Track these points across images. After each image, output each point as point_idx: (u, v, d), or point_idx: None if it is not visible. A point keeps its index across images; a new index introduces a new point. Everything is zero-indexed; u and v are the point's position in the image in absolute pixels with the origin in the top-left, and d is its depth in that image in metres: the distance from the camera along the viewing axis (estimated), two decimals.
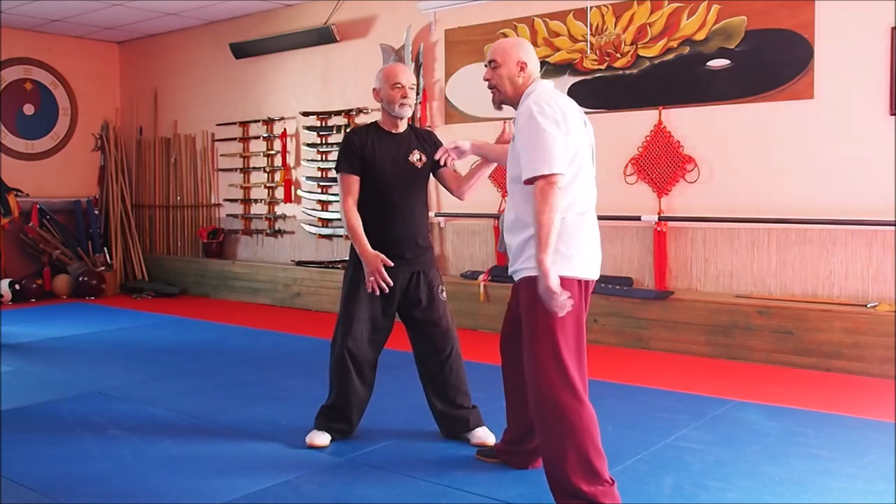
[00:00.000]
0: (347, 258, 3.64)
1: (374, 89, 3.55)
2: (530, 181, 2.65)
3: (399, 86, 3.44)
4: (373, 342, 3.52)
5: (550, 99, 2.75)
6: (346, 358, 3.47)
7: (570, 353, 2.71)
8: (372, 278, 3.36)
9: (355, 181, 3.47)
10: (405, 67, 3.56)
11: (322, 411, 3.59)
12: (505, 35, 6.49)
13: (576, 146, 2.74)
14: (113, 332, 6.54)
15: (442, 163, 3.33)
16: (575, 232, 2.73)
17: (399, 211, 3.48)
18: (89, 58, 9.58)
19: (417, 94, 6.97)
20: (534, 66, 2.90)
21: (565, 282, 2.70)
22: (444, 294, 3.60)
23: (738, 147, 5.50)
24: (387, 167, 3.45)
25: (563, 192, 2.67)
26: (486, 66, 2.96)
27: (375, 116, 7.32)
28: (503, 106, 2.98)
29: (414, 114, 6.89)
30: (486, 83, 2.96)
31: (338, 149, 8.12)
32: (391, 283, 3.37)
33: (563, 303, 2.58)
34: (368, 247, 3.38)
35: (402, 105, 3.46)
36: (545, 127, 2.66)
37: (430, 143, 3.58)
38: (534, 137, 2.66)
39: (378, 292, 3.38)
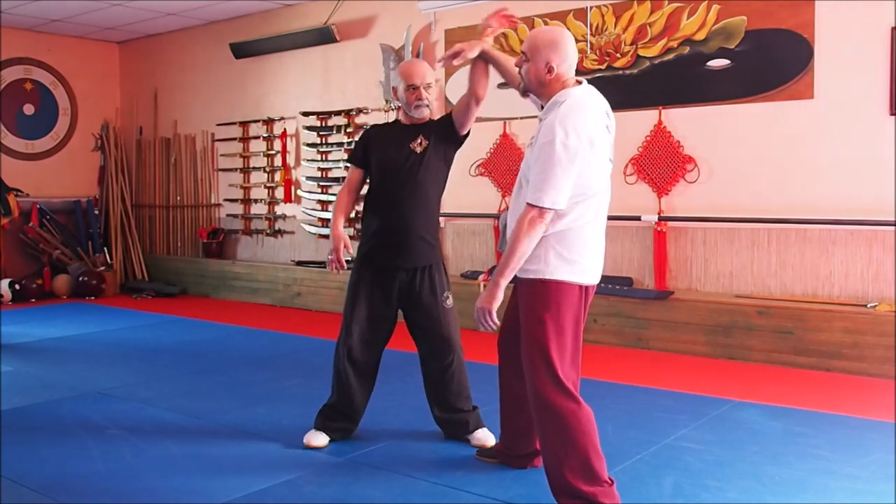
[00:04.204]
0: (351, 259, 3.64)
1: (393, 87, 3.52)
2: (527, 205, 2.63)
3: (413, 87, 3.36)
4: (371, 343, 3.50)
5: (576, 125, 2.63)
6: (344, 358, 3.48)
7: (567, 356, 2.71)
8: (331, 256, 3.47)
9: (356, 173, 3.54)
10: (422, 65, 3.42)
11: (322, 411, 3.60)
12: (505, 35, 6.49)
13: (596, 170, 2.69)
14: (113, 332, 6.54)
15: (448, 61, 3.17)
16: (579, 238, 2.72)
17: (395, 204, 3.39)
18: (89, 58, 9.58)
19: None
20: (567, 67, 2.76)
21: (567, 286, 2.70)
22: (450, 301, 3.51)
23: (738, 147, 5.50)
24: (385, 154, 3.42)
25: (573, 207, 2.67)
26: (521, 53, 2.86)
27: (375, 116, 7.36)
28: (528, 95, 2.94)
29: None
30: (517, 70, 2.90)
31: (338, 148, 8.11)
32: (343, 267, 3.46)
33: (489, 326, 2.77)
34: (339, 227, 3.49)
35: (417, 107, 3.39)
36: (563, 161, 2.59)
37: (439, 123, 3.44)
38: (549, 165, 2.60)
39: (334, 270, 3.47)
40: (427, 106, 3.41)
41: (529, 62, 2.79)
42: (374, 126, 3.62)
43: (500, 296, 2.70)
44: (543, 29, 2.89)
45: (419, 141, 3.41)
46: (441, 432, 3.63)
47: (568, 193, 2.63)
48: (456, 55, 3.19)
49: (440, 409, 3.56)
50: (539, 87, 2.80)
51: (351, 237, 7.59)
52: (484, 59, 3.30)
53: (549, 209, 2.61)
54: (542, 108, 2.85)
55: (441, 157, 3.45)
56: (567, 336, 2.71)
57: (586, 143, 2.64)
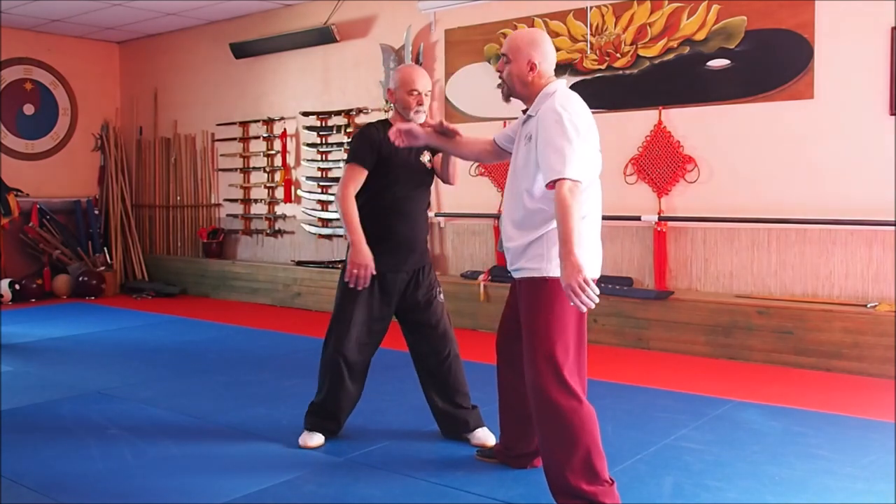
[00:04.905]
0: (345, 258, 3.63)
1: (388, 89, 3.53)
2: (556, 182, 2.57)
3: (416, 92, 3.41)
4: (368, 346, 3.50)
5: (575, 108, 2.71)
6: (340, 362, 3.45)
7: (570, 354, 2.71)
8: (356, 271, 3.32)
9: (363, 175, 3.43)
10: (423, 72, 3.49)
11: (312, 410, 3.58)
12: (505, 35, 6.49)
13: (591, 157, 2.72)
14: (113, 332, 6.54)
15: (399, 145, 3.18)
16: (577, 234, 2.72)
17: (407, 210, 3.48)
18: (89, 58, 9.58)
19: None
20: (548, 65, 2.84)
21: None
22: (442, 296, 3.60)
23: (738, 147, 5.50)
24: (401, 166, 3.44)
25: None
26: (500, 56, 2.92)
27: (375, 116, 7.35)
28: (511, 99, 2.94)
29: None
30: (498, 74, 2.93)
31: (338, 148, 8.07)
32: (367, 284, 3.36)
33: (590, 300, 2.44)
34: (364, 243, 3.34)
35: (416, 112, 3.44)
36: (575, 136, 2.62)
37: None
38: (564, 142, 2.61)
39: (356, 286, 3.35)
40: (424, 112, 3.48)
41: (511, 63, 2.85)
42: (374, 127, 3.52)
43: (580, 264, 2.44)
44: (521, 31, 2.95)
45: (429, 157, 3.52)
46: (441, 432, 3.63)
47: (586, 168, 2.63)
48: (408, 133, 3.15)
49: (441, 399, 3.56)
50: (522, 86, 2.85)
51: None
52: (431, 142, 3.25)
53: (578, 180, 2.59)
54: (525, 112, 2.88)
55: (433, 173, 3.60)
56: (570, 333, 2.71)
57: (585, 126, 2.70)
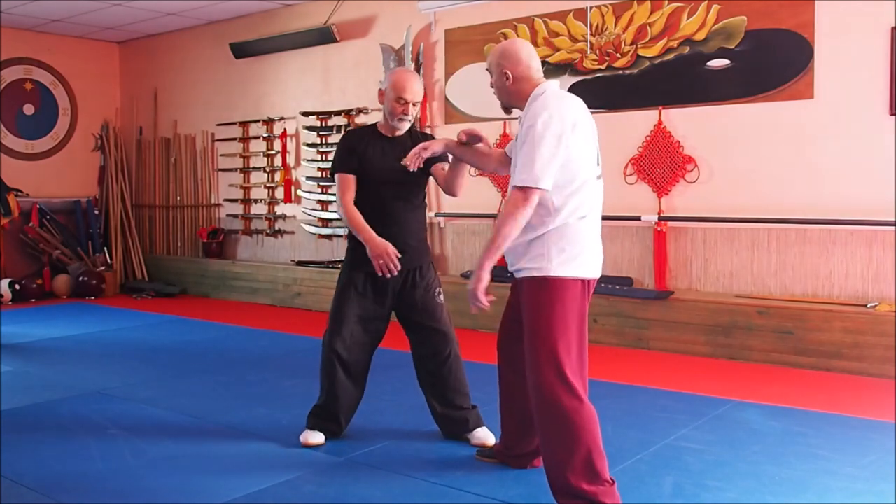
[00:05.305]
0: (344, 259, 3.64)
1: (380, 90, 3.54)
2: (514, 188, 2.66)
3: (403, 101, 3.42)
4: (363, 344, 3.51)
5: (559, 108, 2.71)
6: (334, 359, 3.47)
7: (572, 353, 2.71)
8: (380, 261, 3.32)
9: (352, 180, 3.47)
10: (416, 80, 3.48)
11: (313, 411, 3.59)
12: (505, 35, 6.49)
13: (582, 156, 2.72)
14: (113, 332, 6.54)
15: (411, 168, 3.23)
16: (577, 234, 2.73)
17: (390, 212, 3.46)
18: (89, 58, 9.58)
19: None
20: (524, 69, 2.85)
21: (570, 282, 2.71)
22: (442, 296, 3.58)
23: (738, 147, 5.50)
24: (379, 169, 3.45)
25: (567, 199, 2.69)
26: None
27: (375, 116, 7.35)
28: (510, 109, 2.99)
29: None
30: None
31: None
32: (398, 267, 3.34)
33: (481, 306, 2.70)
34: (376, 235, 3.36)
35: (400, 120, 3.46)
36: (546, 140, 2.63)
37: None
38: (531, 146, 2.64)
39: (388, 275, 3.34)
40: (409, 121, 3.50)
41: (492, 77, 2.94)
42: (353, 133, 3.58)
43: (485, 277, 2.70)
44: (498, 44, 3.01)
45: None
46: (441, 432, 3.63)
47: (553, 173, 2.64)
48: (423, 151, 3.20)
49: (440, 404, 3.56)
50: (507, 95, 2.91)
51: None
52: (453, 153, 3.32)
53: (534, 188, 2.62)
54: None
55: (426, 173, 3.55)
56: (572, 332, 2.72)
57: (569, 125, 2.69)
